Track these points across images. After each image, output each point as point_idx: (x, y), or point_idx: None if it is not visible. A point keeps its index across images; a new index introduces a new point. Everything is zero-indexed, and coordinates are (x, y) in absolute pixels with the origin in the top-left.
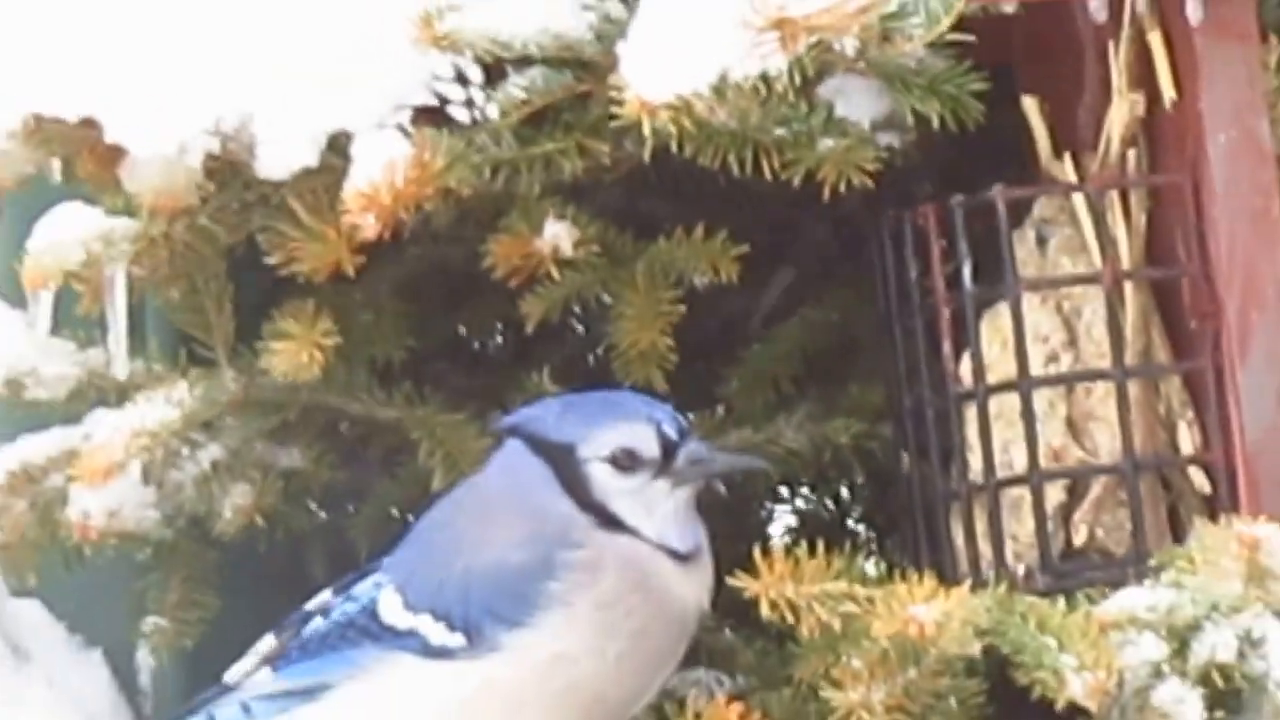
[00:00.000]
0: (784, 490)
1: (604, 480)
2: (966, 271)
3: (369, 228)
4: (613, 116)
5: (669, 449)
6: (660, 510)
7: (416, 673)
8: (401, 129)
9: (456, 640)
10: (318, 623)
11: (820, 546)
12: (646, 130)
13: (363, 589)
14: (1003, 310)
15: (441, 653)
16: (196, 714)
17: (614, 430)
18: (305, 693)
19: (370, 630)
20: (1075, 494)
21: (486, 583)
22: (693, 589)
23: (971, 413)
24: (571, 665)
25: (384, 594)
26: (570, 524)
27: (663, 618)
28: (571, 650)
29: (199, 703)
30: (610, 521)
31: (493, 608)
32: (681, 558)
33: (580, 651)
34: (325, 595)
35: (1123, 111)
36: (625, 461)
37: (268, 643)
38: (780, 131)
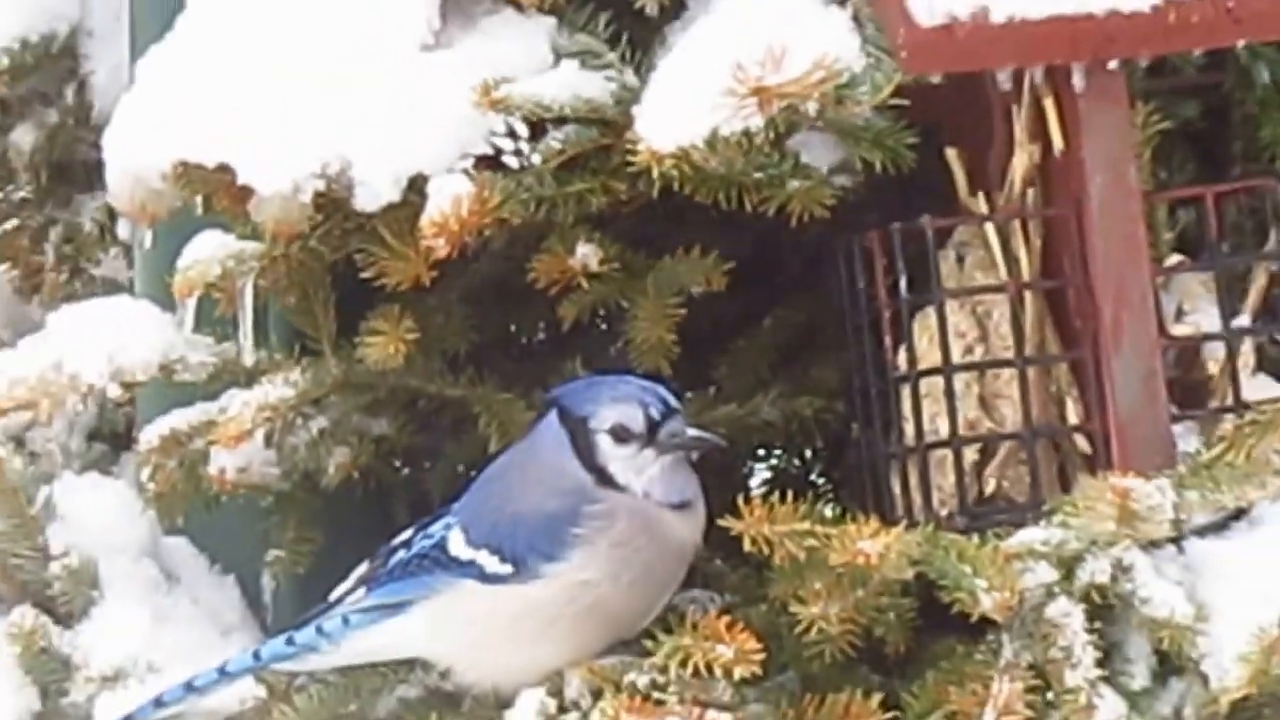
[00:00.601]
0: (761, 452)
1: (606, 448)
2: (902, 283)
3: (441, 249)
4: (629, 163)
5: (652, 426)
6: (647, 473)
7: (476, 594)
8: (466, 173)
9: (506, 569)
10: (401, 554)
11: (789, 495)
12: (655, 174)
13: (436, 528)
14: (930, 313)
15: (495, 579)
16: (308, 624)
17: (613, 409)
18: (391, 608)
19: (441, 560)
20: (986, 455)
21: (529, 525)
22: (689, 530)
23: (906, 392)
24: (594, 589)
25: (452, 532)
26: (584, 482)
27: (665, 553)
28: (593, 578)
29: (309, 615)
30: (607, 480)
31: (534, 545)
32: (679, 506)
33: (600, 579)
34: (407, 533)
35: (1023, 159)
36: (620, 434)
37: (362, 569)
38: (758, 175)
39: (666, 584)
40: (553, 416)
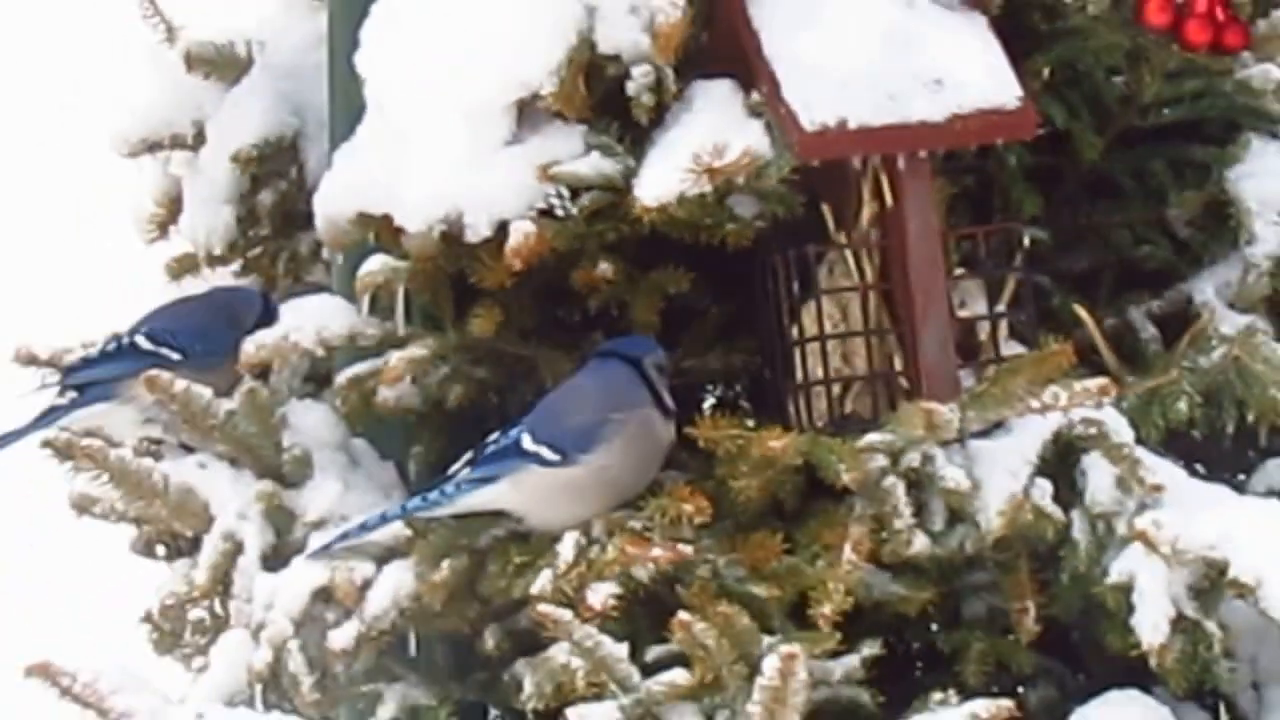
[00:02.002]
0: (710, 387)
1: (655, 377)
2: (795, 285)
3: (517, 266)
4: (630, 213)
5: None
6: (666, 389)
7: (537, 473)
8: (532, 219)
9: (557, 458)
10: (492, 447)
11: (727, 412)
12: (646, 220)
13: (513, 431)
14: (813, 304)
15: (550, 464)
16: (434, 488)
17: (654, 353)
18: (486, 480)
19: (516, 451)
20: (846, 390)
21: (572, 429)
22: (669, 433)
23: (797, 351)
24: (611, 472)
25: (524, 434)
26: (632, 401)
27: (654, 448)
28: (611, 465)
29: (435, 482)
30: (658, 400)
31: (574, 443)
32: (668, 418)
33: (615, 465)
34: (495, 434)
35: (868, 210)
36: (661, 368)
37: (468, 455)
38: (708, 220)
39: (653, 467)
40: (614, 360)
